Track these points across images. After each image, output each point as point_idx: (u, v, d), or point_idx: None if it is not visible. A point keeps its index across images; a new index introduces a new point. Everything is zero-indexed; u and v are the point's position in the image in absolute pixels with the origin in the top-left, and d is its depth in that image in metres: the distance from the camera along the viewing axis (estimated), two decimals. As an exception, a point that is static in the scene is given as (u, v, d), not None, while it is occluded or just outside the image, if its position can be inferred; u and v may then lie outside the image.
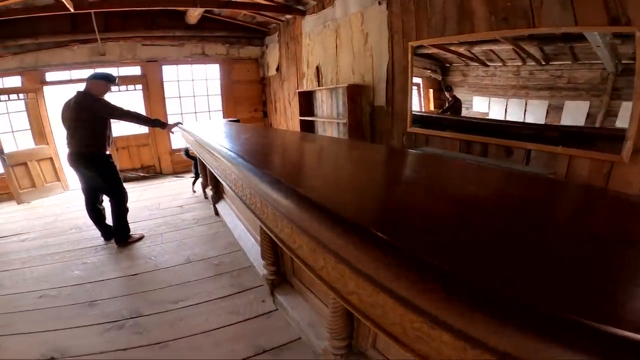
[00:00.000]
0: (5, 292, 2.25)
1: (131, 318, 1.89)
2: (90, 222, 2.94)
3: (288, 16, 4.88)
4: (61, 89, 4.83)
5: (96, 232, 2.97)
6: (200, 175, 4.15)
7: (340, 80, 4.05)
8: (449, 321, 0.46)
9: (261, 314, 1.87)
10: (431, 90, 3.04)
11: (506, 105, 2.38)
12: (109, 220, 2.91)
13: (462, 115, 2.73)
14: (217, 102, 6.23)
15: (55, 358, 1.61)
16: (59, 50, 4.82)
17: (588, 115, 1.92)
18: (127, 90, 5.40)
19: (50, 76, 4.96)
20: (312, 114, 4.63)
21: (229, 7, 4.53)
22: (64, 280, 2.34)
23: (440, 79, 2.90)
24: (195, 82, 6.02)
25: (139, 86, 5.50)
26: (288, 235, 0.90)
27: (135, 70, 5.49)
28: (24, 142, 4.77)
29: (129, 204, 2.90)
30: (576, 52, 1.95)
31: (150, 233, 3.12)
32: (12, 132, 4.66)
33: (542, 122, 2.16)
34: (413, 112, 3.10)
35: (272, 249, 1.87)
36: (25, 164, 4.61)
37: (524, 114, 2.27)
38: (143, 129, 5.32)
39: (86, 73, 2.75)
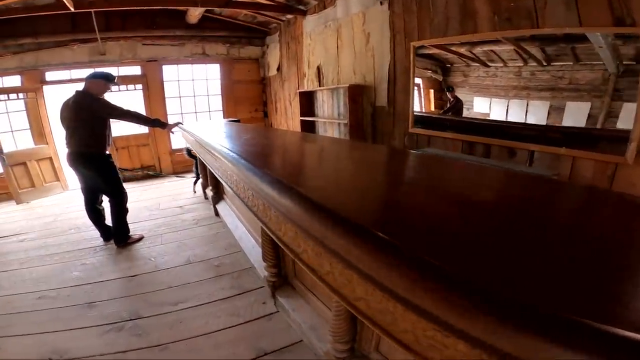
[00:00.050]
0: (3, 293, 2.23)
1: (130, 320, 1.87)
2: (89, 222, 2.92)
3: (289, 16, 4.86)
4: (61, 88, 4.81)
5: (95, 233, 2.95)
6: (200, 176, 4.14)
7: (342, 80, 4.04)
8: (466, 329, 0.44)
9: (262, 316, 1.85)
10: (432, 91, 3.03)
11: (507, 106, 2.37)
12: (108, 220, 2.90)
13: (463, 116, 2.72)
14: (217, 102, 6.21)
15: (53, 360, 1.60)
16: (59, 49, 4.81)
17: (589, 116, 1.92)
18: (127, 90, 5.39)
19: (50, 76, 4.94)
20: (312, 114, 4.62)
21: (229, 6, 4.51)
22: (63, 281, 2.33)
23: (441, 80, 2.89)
24: (195, 82, 6.00)
25: (139, 86, 5.48)
26: (292, 238, 0.89)
27: (136, 70, 5.48)
28: (24, 141, 4.75)
29: (128, 204, 2.88)
30: (578, 52, 1.94)
31: (150, 234, 3.11)
32: (12, 131, 4.64)
33: (544, 123, 2.15)
34: (414, 113, 3.09)
35: (274, 251, 1.86)
36: (24, 163, 4.59)
37: (525, 115, 2.26)
38: (143, 129, 5.30)
39: (86, 73, 2.73)
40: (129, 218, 2.92)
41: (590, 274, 0.52)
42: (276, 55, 5.71)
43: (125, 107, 2.75)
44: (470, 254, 0.57)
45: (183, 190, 4.68)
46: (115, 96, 5.03)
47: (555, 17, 1.93)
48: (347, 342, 1.27)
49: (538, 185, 1.17)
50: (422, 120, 3.06)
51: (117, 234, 2.84)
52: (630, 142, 1.74)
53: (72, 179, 4.46)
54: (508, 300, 0.43)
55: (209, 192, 3.65)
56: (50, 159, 4.91)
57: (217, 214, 3.42)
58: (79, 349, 1.66)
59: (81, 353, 1.64)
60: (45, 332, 1.80)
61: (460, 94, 2.72)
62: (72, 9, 3.62)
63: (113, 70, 4.84)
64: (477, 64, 2.54)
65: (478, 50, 2.47)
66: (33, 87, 4.73)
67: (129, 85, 5.41)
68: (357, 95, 3.66)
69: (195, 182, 4.44)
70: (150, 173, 5.60)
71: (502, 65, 2.36)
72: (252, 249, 2.45)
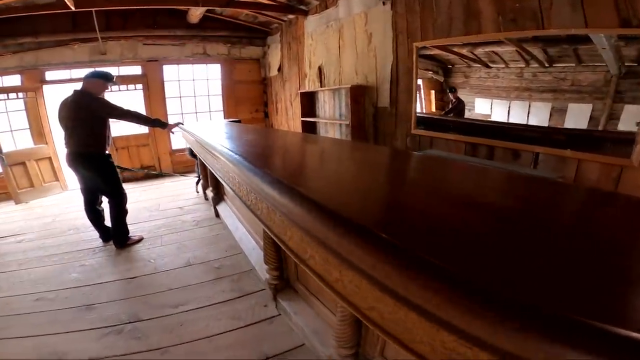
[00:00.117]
0: (1, 294, 2.21)
1: (130, 322, 1.85)
2: (88, 223, 2.89)
3: (290, 16, 4.85)
4: (61, 88, 4.78)
5: (95, 234, 2.92)
6: (201, 176, 4.12)
7: (343, 80, 4.02)
8: (490, 341, 0.42)
9: (263, 319, 1.83)
10: (432, 92, 3.01)
11: (509, 108, 2.35)
12: (107, 221, 2.87)
13: (465, 117, 2.71)
14: (218, 103, 6.19)
15: (52, 364, 1.58)
16: (59, 49, 4.79)
17: (591, 118, 1.90)
18: (128, 90, 5.37)
19: (50, 75, 4.92)
20: (314, 115, 4.60)
21: (231, 6, 4.49)
22: (62, 283, 2.30)
23: (442, 80, 2.88)
24: (196, 82, 5.98)
25: (140, 86, 5.46)
26: (298, 244, 0.86)
27: (136, 70, 5.46)
28: (23, 141, 4.73)
29: (128, 205, 2.86)
30: (580, 54, 1.92)
31: (149, 235, 3.08)
32: (11, 131, 4.62)
33: (546, 124, 2.14)
34: (416, 114, 3.07)
35: (276, 254, 1.84)
36: (23, 163, 4.57)
37: (527, 116, 2.25)
38: (143, 129, 5.28)
39: (86, 72, 2.71)
40: (129, 219, 2.89)
41: (595, 274, 0.51)
42: (277, 56, 5.70)
43: (125, 107, 2.73)
44: (473, 253, 0.56)
45: (183, 190, 4.66)
46: (115, 96, 5.02)
47: (561, 18, 1.91)
48: (351, 347, 1.25)
49: (542, 187, 1.15)
50: (424, 122, 3.05)
51: (117, 235, 2.81)
52: (636, 145, 1.73)
53: (71, 179, 4.43)
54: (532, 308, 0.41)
55: (210, 193, 3.63)
56: (50, 159, 4.89)
57: (217, 215, 3.40)
58: (78, 352, 1.64)
59: (80, 356, 1.61)
60: (43, 334, 1.78)
61: (462, 95, 2.71)
62: (73, 8, 3.60)
63: (113, 70, 4.83)
64: (479, 65, 2.52)
65: (480, 51, 2.46)
66: (33, 86, 4.71)
67: (129, 85, 5.39)
68: (359, 95, 3.64)
69: (197, 182, 4.42)
70: (152, 172, 5.57)
71: (503, 66, 2.35)
72: (253, 250, 2.42)
